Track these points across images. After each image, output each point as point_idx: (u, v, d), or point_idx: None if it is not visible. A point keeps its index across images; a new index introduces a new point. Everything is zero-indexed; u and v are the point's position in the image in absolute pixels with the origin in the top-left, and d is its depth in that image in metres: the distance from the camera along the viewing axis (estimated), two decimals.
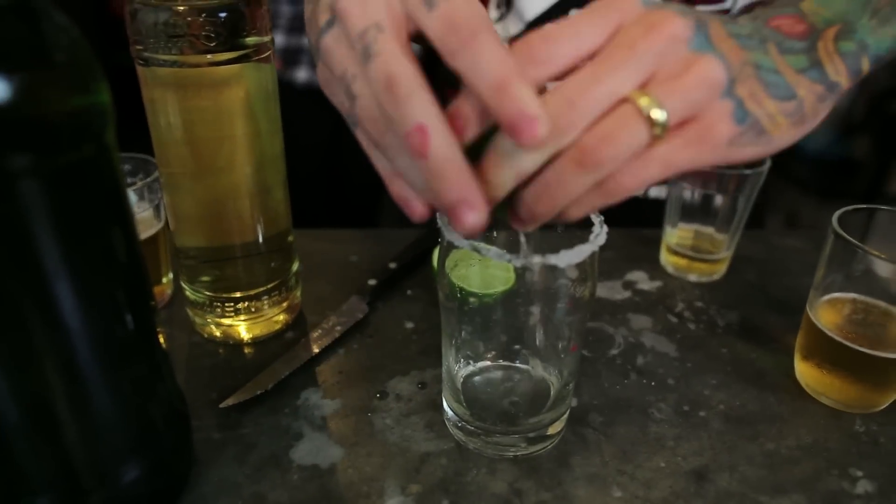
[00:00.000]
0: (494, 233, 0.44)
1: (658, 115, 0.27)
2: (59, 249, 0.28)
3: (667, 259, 0.62)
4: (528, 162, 0.28)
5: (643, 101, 0.27)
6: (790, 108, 0.31)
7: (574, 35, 0.28)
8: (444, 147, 0.27)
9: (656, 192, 0.72)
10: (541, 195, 0.29)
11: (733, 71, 0.29)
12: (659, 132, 0.27)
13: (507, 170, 0.28)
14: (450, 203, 0.28)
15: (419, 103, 0.27)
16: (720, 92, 0.29)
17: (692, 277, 0.61)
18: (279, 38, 1.27)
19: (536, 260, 0.33)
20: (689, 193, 0.58)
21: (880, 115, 1.84)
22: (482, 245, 0.34)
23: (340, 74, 0.31)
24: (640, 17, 0.28)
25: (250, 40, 0.42)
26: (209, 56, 0.40)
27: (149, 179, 0.50)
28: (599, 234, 0.35)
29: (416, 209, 0.31)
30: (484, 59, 0.26)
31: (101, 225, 0.30)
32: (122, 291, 0.32)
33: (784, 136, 0.32)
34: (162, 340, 0.36)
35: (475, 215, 0.28)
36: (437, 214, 0.37)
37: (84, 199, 0.28)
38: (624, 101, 0.27)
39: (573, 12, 0.50)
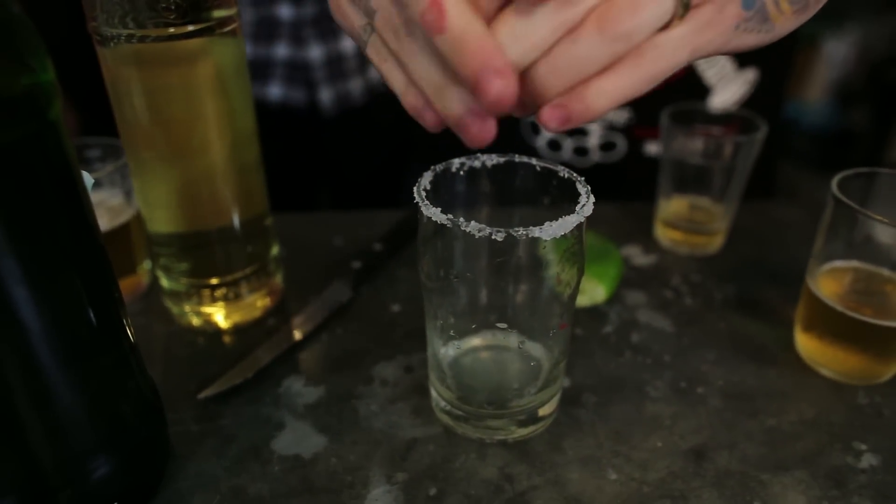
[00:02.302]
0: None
1: None
2: (5, 236, 0.26)
3: (661, 232, 0.60)
4: (545, 28, 0.28)
5: None
6: None
7: None
8: (461, 16, 0.26)
9: (655, 150, 0.69)
10: (557, 65, 0.28)
11: None
12: (682, 12, 0.29)
13: (524, 39, 0.28)
14: (474, 73, 0.26)
15: None
16: None
17: (688, 251, 0.59)
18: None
19: (520, 232, 0.32)
20: (684, 162, 0.56)
21: (879, 83, 1.82)
22: (461, 220, 0.32)
23: None
24: None
25: (215, 13, 0.39)
26: (171, 29, 0.38)
27: (118, 164, 0.48)
28: (586, 204, 0.34)
29: (429, 117, 0.31)
30: None
31: (50, 209, 0.28)
32: (79, 280, 0.30)
33: (786, 24, 0.33)
34: (131, 331, 0.34)
35: (502, 82, 0.26)
36: (415, 190, 0.35)
37: (29, 180, 0.27)
38: None
39: None
